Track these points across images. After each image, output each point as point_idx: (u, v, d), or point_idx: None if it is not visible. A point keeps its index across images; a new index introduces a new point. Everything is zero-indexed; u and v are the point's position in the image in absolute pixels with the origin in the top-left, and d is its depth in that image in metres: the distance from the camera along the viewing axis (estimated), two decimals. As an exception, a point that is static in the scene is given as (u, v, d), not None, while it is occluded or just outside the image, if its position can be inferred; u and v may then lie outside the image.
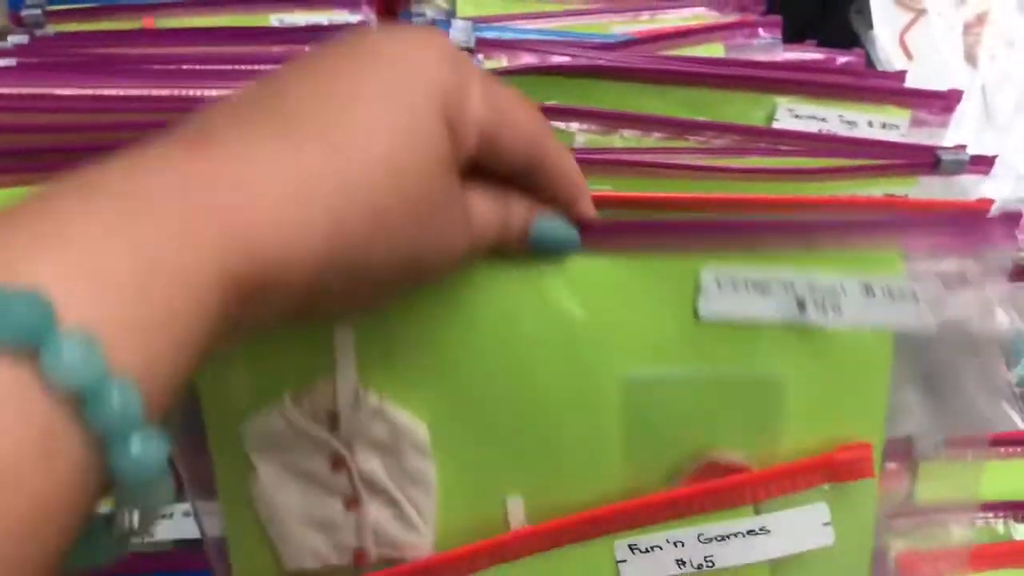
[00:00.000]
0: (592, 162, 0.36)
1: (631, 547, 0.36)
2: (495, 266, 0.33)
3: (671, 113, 0.42)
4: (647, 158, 0.37)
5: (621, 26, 0.62)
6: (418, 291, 0.33)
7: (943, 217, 0.32)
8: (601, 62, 0.46)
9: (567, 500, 0.36)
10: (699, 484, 0.35)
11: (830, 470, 0.35)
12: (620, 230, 0.32)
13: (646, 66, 0.46)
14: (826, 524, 0.35)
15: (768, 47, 0.56)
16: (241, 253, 0.23)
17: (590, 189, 0.32)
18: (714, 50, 0.55)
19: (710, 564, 0.35)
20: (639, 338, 0.34)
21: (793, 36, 0.58)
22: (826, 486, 0.35)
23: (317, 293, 0.25)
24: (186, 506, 0.43)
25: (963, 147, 0.37)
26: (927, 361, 0.35)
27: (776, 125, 0.45)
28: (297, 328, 0.28)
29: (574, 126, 0.43)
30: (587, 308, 0.33)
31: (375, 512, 0.36)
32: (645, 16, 0.63)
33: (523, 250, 0.32)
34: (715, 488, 0.35)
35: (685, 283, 0.33)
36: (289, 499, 0.36)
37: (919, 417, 0.36)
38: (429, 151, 0.26)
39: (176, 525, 0.47)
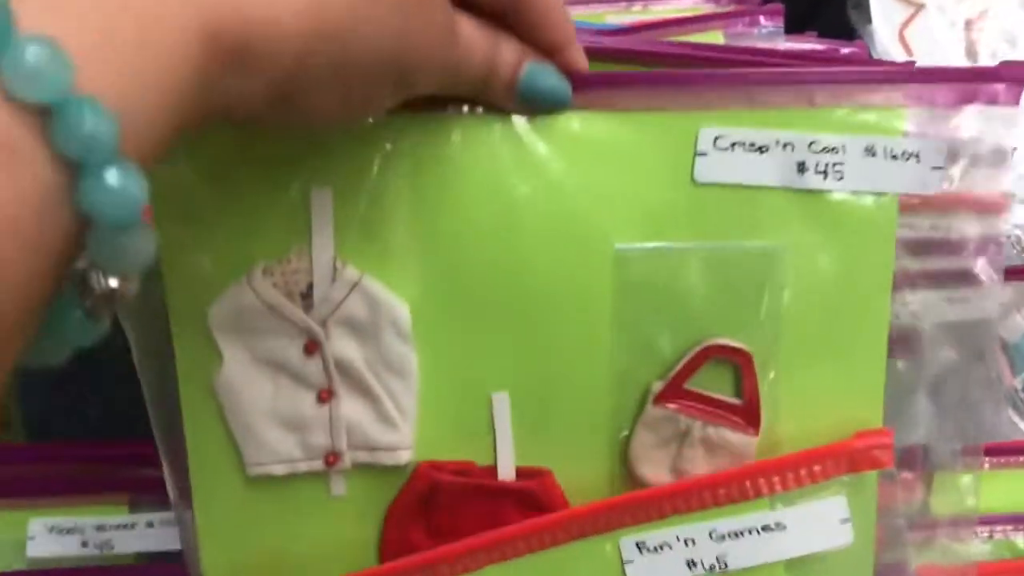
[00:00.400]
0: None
1: (639, 545, 0.33)
2: (482, 127, 0.31)
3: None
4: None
5: (615, 16, 0.62)
6: (400, 158, 0.32)
7: (947, 72, 0.31)
8: (604, 44, 0.43)
9: (556, 397, 0.34)
10: (706, 477, 0.33)
11: (849, 458, 0.33)
12: (614, 83, 0.31)
13: (652, 49, 0.41)
14: (844, 521, 0.33)
15: (769, 36, 0.54)
16: (225, 5, 0.22)
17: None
18: (713, 38, 0.54)
19: (723, 565, 0.33)
20: (633, 205, 0.32)
21: (788, 31, 0.57)
22: (845, 477, 0.33)
23: (302, 75, 0.24)
24: (149, 516, 0.40)
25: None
26: (935, 367, 0.34)
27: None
28: (281, 126, 0.26)
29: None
30: (578, 172, 0.32)
31: (350, 407, 0.34)
32: (638, 7, 0.62)
33: (511, 101, 0.30)
34: (727, 477, 0.33)
35: (682, 144, 0.32)
36: (256, 392, 0.33)
37: (930, 425, 0.35)
38: None
39: (139, 537, 0.43)
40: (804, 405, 0.34)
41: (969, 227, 0.33)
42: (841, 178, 0.31)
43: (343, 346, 0.33)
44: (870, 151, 0.31)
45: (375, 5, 0.24)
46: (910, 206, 0.32)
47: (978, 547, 0.38)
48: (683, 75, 0.31)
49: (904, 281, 0.33)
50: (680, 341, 0.33)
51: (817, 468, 0.33)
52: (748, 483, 0.33)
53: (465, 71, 0.28)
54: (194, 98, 0.21)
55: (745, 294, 0.33)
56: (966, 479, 0.36)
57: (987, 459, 0.41)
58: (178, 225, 0.32)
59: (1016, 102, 0.31)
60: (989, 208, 0.33)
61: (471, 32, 0.28)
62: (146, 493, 0.40)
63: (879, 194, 0.32)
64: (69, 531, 0.41)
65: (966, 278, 0.33)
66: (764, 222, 0.32)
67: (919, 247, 0.33)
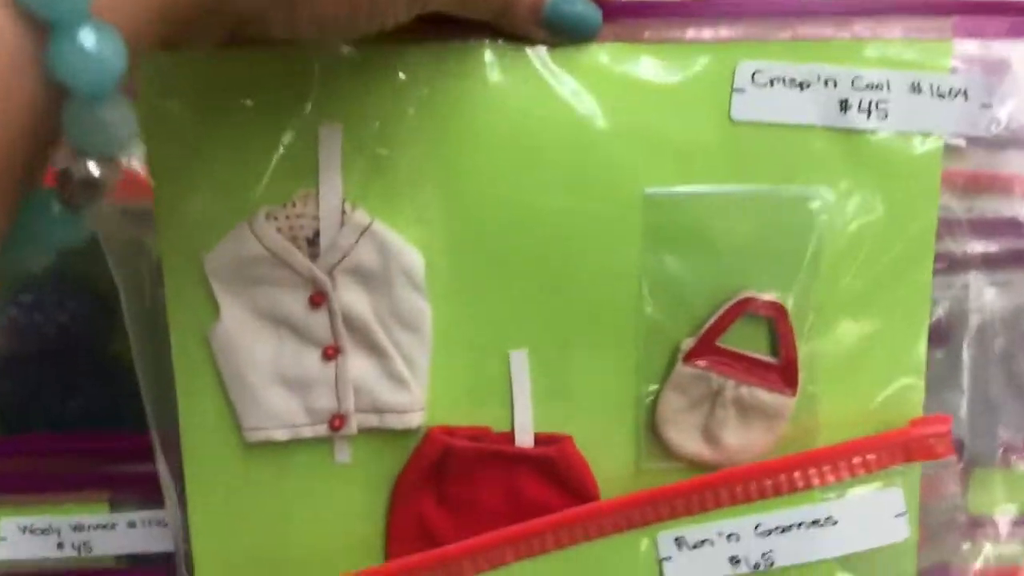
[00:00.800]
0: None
1: (677, 541, 0.31)
2: (504, 58, 0.29)
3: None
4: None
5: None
6: (416, 93, 0.29)
7: (998, 2, 0.29)
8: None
9: (578, 356, 0.32)
10: (752, 466, 0.30)
11: (905, 447, 0.31)
12: (645, 12, 0.29)
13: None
14: (900, 515, 0.31)
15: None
16: None
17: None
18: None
19: (769, 563, 0.31)
20: (665, 145, 0.30)
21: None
22: (900, 467, 0.31)
23: None
24: (131, 515, 0.37)
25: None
26: (976, 357, 0.32)
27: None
28: (288, 37, 0.24)
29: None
30: (606, 110, 0.30)
31: (358, 364, 0.31)
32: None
33: (535, 27, 0.28)
34: (774, 466, 0.31)
35: (718, 79, 0.30)
36: (256, 347, 0.31)
37: (968, 419, 0.33)
38: None
39: (121, 537, 0.39)
40: (843, 363, 0.31)
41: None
42: (885, 117, 0.30)
43: (351, 298, 0.31)
44: (915, 88, 0.29)
45: None
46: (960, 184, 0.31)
47: (1018, 548, 0.35)
48: (719, 4, 0.29)
49: (948, 264, 0.32)
50: (713, 294, 0.31)
51: (871, 457, 0.31)
52: (797, 473, 0.31)
53: None
54: None
55: (782, 242, 0.31)
56: (1006, 476, 0.34)
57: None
58: (173, 165, 0.30)
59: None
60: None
61: None
62: (128, 490, 0.37)
63: (924, 134, 0.30)
64: (44, 531, 0.37)
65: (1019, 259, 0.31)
66: (803, 164, 0.30)
67: (965, 226, 0.31)
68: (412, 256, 0.30)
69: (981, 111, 0.30)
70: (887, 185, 0.30)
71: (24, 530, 0.37)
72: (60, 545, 0.38)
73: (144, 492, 0.36)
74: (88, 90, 0.17)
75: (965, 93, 0.29)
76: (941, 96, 0.29)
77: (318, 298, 0.31)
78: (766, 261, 0.31)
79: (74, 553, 0.38)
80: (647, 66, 0.30)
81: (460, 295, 0.31)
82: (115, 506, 0.37)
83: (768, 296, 0.31)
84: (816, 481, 0.30)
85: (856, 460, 0.31)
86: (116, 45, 0.17)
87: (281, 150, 0.30)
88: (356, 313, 0.31)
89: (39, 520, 0.37)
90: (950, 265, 0.32)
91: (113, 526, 0.38)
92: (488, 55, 0.29)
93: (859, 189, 0.30)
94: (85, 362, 0.37)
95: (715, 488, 0.31)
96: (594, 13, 0.28)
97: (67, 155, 0.18)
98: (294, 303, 0.31)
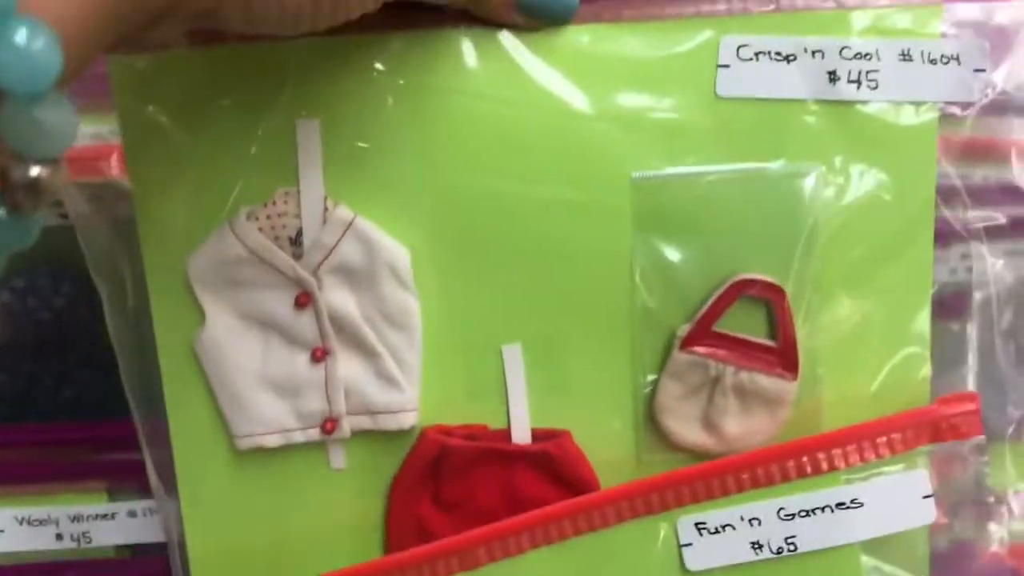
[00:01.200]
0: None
1: (698, 526, 0.30)
2: (481, 45, 0.29)
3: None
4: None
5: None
6: (394, 82, 0.29)
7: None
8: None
9: (573, 348, 0.31)
10: (775, 447, 0.29)
11: (932, 427, 0.30)
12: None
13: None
14: (927, 496, 0.30)
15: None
16: None
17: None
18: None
19: (792, 548, 0.30)
20: (650, 127, 0.29)
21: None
22: (927, 447, 0.30)
23: None
24: (130, 505, 0.36)
25: None
26: (987, 329, 0.32)
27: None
28: (245, 29, 0.23)
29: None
30: (588, 93, 0.29)
31: (348, 365, 0.31)
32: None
33: (509, 12, 0.28)
34: (796, 447, 0.30)
35: (702, 55, 0.29)
36: (243, 352, 0.30)
37: (982, 394, 0.32)
38: None
39: (120, 528, 0.39)
40: (845, 342, 0.31)
41: None
42: (876, 87, 0.29)
43: (338, 297, 0.30)
44: (906, 55, 0.29)
45: None
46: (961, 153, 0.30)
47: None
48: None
49: (954, 233, 0.31)
50: (707, 278, 0.30)
51: (897, 437, 0.30)
52: (821, 455, 0.30)
53: None
54: None
55: (777, 222, 0.30)
56: (1016, 452, 0.33)
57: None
58: (150, 169, 0.29)
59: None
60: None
61: None
62: (127, 479, 0.36)
63: (918, 103, 0.29)
64: (42, 522, 0.37)
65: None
66: (794, 140, 0.29)
67: (974, 195, 0.31)
68: (397, 251, 0.30)
69: (975, 75, 0.29)
70: (882, 158, 0.30)
71: (22, 521, 0.37)
72: (59, 536, 0.37)
73: (143, 481, 0.34)
74: (20, 89, 0.16)
75: (957, 58, 0.29)
76: (932, 63, 0.29)
77: (304, 299, 0.30)
78: (760, 241, 0.30)
79: (73, 544, 0.37)
80: (628, 46, 0.29)
81: (449, 290, 0.30)
82: (113, 495, 0.37)
83: (764, 276, 0.30)
84: (840, 463, 0.30)
85: (881, 440, 0.30)
86: (47, 41, 0.16)
87: (259, 147, 0.29)
88: (343, 313, 0.30)
89: (37, 511, 0.37)
90: (949, 236, 0.31)
91: (112, 516, 0.37)
92: (465, 42, 0.29)
93: (853, 163, 0.30)
94: (81, 348, 0.36)
95: (737, 471, 0.30)
96: None
97: (6, 157, 0.18)
98: (279, 305, 0.30)
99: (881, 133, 0.29)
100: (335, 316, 0.30)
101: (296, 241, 0.29)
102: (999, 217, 0.31)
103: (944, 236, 0.30)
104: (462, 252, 0.30)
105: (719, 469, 0.30)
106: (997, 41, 0.29)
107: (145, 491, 0.35)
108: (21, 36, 0.16)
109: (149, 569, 0.37)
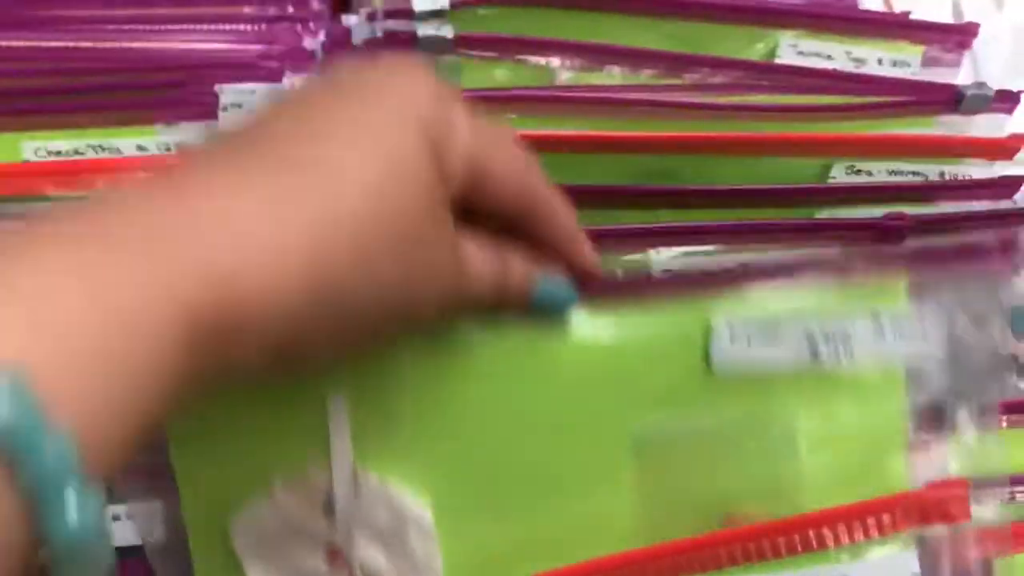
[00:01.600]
0: (577, 100, 0.34)
1: None
2: (492, 327, 0.32)
3: (662, 48, 0.37)
4: (638, 96, 0.33)
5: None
6: (414, 360, 0.32)
7: (946, 248, 0.32)
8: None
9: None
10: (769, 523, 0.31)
11: (920, 510, 0.31)
12: (624, 286, 0.32)
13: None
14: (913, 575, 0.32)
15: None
16: (214, 286, 0.21)
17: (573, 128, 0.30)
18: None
19: None
20: (649, 394, 0.32)
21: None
22: (914, 531, 0.32)
23: (298, 334, 0.23)
24: (114, 509, 0.35)
25: (983, 83, 0.35)
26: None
27: (778, 62, 0.39)
28: (282, 381, 0.26)
29: (555, 62, 0.37)
30: (593, 366, 0.32)
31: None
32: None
33: (521, 315, 0.31)
34: (788, 525, 0.31)
35: (695, 333, 0.32)
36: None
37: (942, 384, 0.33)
38: (414, 179, 0.24)
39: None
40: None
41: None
42: (852, 356, 0.32)
43: (367, 550, 0.33)
44: (877, 328, 0.32)
45: (372, 248, 0.24)
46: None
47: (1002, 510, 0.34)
48: (692, 277, 0.32)
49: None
50: (704, 518, 0.33)
51: (886, 518, 0.31)
52: (811, 532, 0.31)
53: (474, 297, 0.28)
54: (176, 390, 0.21)
55: (765, 467, 0.33)
56: (984, 440, 0.34)
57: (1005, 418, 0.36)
58: (192, 441, 0.32)
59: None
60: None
61: (479, 258, 0.28)
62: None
63: (887, 368, 0.32)
64: None
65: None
66: (779, 400, 0.33)
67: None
68: (422, 513, 0.32)
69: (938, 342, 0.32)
70: (855, 407, 0.32)
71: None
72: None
73: (132, 482, 0.34)
74: (69, 550, 0.18)
75: (923, 331, 0.32)
76: (901, 334, 0.32)
77: (335, 555, 0.33)
78: (750, 483, 0.33)
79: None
80: (628, 326, 0.32)
81: (467, 533, 0.33)
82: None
83: (755, 512, 0.33)
84: (830, 542, 0.31)
85: (870, 521, 0.31)
86: (97, 505, 0.18)
87: (292, 422, 0.32)
88: (373, 566, 0.33)
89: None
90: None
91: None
92: (479, 329, 0.32)
93: (830, 414, 0.33)
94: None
95: (728, 546, 0.31)
96: (573, 298, 0.31)
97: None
98: (313, 562, 0.33)
99: (855, 391, 0.32)
100: (366, 570, 0.33)
101: (328, 506, 0.32)
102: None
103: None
104: (477, 503, 0.33)
105: (709, 543, 0.31)
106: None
107: (132, 494, 0.35)
108: (74, 511, 0.17)
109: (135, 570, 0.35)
